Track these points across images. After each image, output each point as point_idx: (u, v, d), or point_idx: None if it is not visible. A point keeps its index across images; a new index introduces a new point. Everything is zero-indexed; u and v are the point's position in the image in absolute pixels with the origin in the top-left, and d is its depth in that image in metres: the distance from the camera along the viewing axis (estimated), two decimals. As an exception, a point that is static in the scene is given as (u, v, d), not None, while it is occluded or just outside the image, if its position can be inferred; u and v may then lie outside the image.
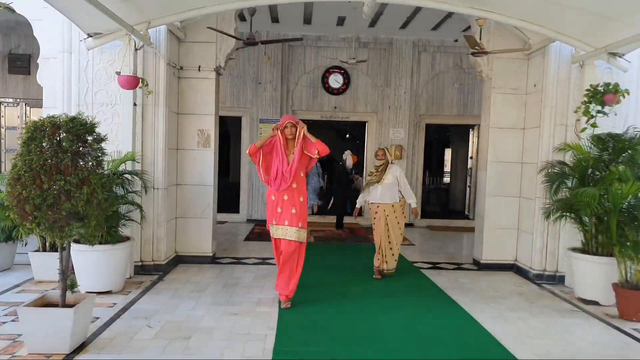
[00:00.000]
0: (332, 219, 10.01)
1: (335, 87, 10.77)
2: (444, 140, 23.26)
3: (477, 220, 7.23)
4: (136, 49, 5.70)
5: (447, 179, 26.43)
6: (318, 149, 4.91)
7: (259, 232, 9.61)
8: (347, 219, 10.37)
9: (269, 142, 5.04)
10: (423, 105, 10.92)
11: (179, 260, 6.84)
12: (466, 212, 12.03)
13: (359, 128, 12.10)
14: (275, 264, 5.41)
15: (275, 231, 4.99)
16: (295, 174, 4.90)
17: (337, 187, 9.70)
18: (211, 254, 6.95)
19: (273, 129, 5.04)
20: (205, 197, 6.89)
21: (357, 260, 7.26)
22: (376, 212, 6.22)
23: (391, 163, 6.23)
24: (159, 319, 4.56)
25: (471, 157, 11.67)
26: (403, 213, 6.36)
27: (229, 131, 14.03)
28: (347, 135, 27.44)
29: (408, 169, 10.84)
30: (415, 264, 7.17)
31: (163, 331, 4.25)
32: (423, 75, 10.89)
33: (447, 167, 27.41)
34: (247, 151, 5.02)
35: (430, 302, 5.35)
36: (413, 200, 6.38)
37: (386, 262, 6.23)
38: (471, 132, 11.75)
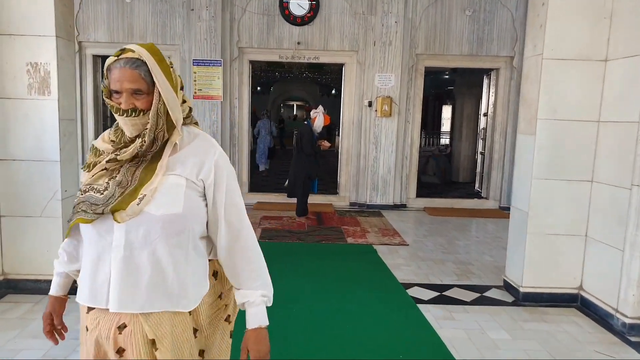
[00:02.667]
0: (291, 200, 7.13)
1: (298, 14, 7.65)
2: (443, 92, 20.19)
3: (513, 217, 4.36)
4: None
5: (443, 141, 23.70)
6: None
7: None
8: (315, 199, 7.58)
9: None
10: (422, 42, 7.87)
11: (9, 287, 4.03)
12: (477, 188, 9.18)
13: (333, 74, 9.06)
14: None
15: None
16: None
17: (299, 158, 6.74)
18: (63, 278, 4.08)
19: None
20: (48, 180, 3.97)
21: (313, 285, 4.43)
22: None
23: (189, 125, 1.46)
24: None
25: (485, 114, 8.72)
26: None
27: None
28: (334, 91, 24.39)
29: (400, 130, 7.89)
30: (409, 289, 4.35)
31: None
32: (422, -2, 7.81)
33: (446, 127, 24.60)
34: None
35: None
36: (252, 292, 1.44)
37: None
38: (485, 80, 8.76)
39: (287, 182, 6.93)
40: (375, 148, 7.80)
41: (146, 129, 1.31)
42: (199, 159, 1.39)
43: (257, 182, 10.08)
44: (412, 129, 8.06)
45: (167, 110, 1.32)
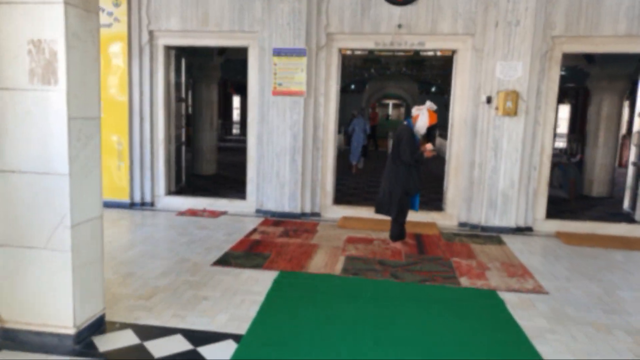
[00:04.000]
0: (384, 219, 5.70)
1: (400, -11, 6.22)
2: (559, 88, 17.52)
3: None
4: None
5: (557, 144, 20.85)
6: None
7: (257, 239, 5.56)
8: (414, 216, 6.10)
9: None
10: (560, 20, 6.05)
11: (7, 338, 3.05)
12: (625, 208, 7.13)
13: (434, 69, 7.52)
14: None
15: None
16: None
17: (394, 167, 5.29)
18: (72, 331, 3.02)
19: None
20: (55, 199, 2.93)
21: None
22: None
23: None
24: None
25: (644, 114, 6.68)
26: None
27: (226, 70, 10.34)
28: (434, 88, 22.38)
29: (528, 133, 6.15)
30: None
31: None
32: (563, -37, 6.00)
33: (562, 128, 21.69)
34: None
35: None
36: None
37: None
38: (645, 69, 6.72)
39: (379, 199, 5.48)
40: (494, 155, 6.13)
41: None
42: None
43: (344, 190, 8.80)
44: (543, 132, 6.26)
45: None
